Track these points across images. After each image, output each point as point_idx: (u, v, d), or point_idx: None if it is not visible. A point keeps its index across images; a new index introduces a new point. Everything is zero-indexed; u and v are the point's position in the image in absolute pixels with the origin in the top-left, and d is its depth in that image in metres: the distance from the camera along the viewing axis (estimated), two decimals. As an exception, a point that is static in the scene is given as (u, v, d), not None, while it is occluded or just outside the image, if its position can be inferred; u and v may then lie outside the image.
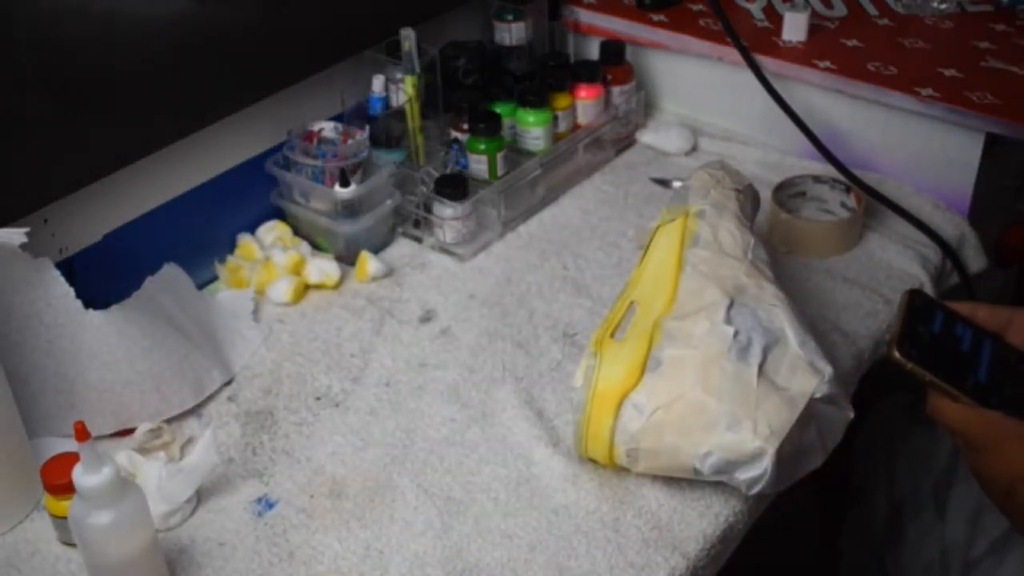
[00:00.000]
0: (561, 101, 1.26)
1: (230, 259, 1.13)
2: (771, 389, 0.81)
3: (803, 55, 1.24)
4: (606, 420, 0.83)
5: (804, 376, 0.83)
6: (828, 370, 0.83)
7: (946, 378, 0.76)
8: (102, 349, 0.93)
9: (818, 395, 0.82)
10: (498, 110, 1.22)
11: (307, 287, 1.11)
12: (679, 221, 0.95)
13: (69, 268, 0.99)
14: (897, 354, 0.76)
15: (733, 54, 1.25)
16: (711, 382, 0.81)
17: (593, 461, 0.88)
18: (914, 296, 0.81)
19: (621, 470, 0.87)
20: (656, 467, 0.84)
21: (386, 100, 1.19)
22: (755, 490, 0.81)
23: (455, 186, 1.13)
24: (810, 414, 0.82)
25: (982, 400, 0.76)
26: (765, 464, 0.79)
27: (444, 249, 1.16)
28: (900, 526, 1.10)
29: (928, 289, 1.10)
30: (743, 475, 0.80)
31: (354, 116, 1.19)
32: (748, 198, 1.01)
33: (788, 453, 0.80)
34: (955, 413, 0.76)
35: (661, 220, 0.97)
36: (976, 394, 0.76)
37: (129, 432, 0.94)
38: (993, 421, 0.75)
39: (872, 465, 1.18)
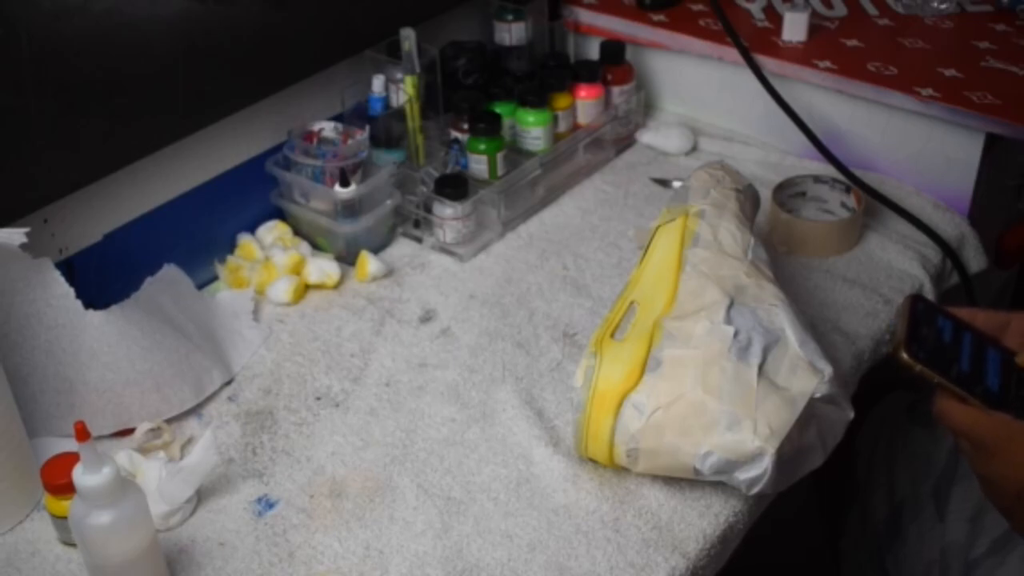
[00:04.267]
0: (561, 101, 1.26)
1: (230, 259, 1.13)
2: (771, 389, 0.81)
3: (803, 55, 1.24)
4: (606, 420, 0.83)
5: (804, 376, 0.83)
6: (828, 370, 0.83)
7: (953, 380, 0.77)
8: (102, 349, 0.93)
9: (818, 395, 0.82)
10: (498, 110, 1.22)
11: (307, 287, 1.11)
12: (679, 221, 0.95)
13: (69, 268, 0.99)
14: (905, 356, 0.77)
15: (733, 54, 1.25)
16: (711, 382, 0.81)
17: (593, 461, 0.88)
18: (916, 300, 0.81)
19: (621, 470, 0.87)
20: (656, 467, 0.84)
21: (386, 100, 1.19)
22: (755, 490, 0.81)
23: (455, 186, 1.13)
24: (810, 414, 0.82)
25: (987, 401, 0.76)
26: (765, 464, 0.79)
27: (444, 249, 1.16)
28: (900, 526, 1.10)
29: (928, 289, 1.10)
30: (743, 475, 0.80)
31: (354, 116, 1.19)
32: (748, 198, 1.01)
33: (788, 453, 0.80)
34: (964, 416, 0.76)
35: (661, 220, 0.97)
36: (982, 395, 0.77)
37: (129, 432, 0.94)
38: (1003, 423, 0.75)
39: (872, 465, 1.18)
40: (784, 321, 0.86)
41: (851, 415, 0.85)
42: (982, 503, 1.01)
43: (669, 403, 0.81)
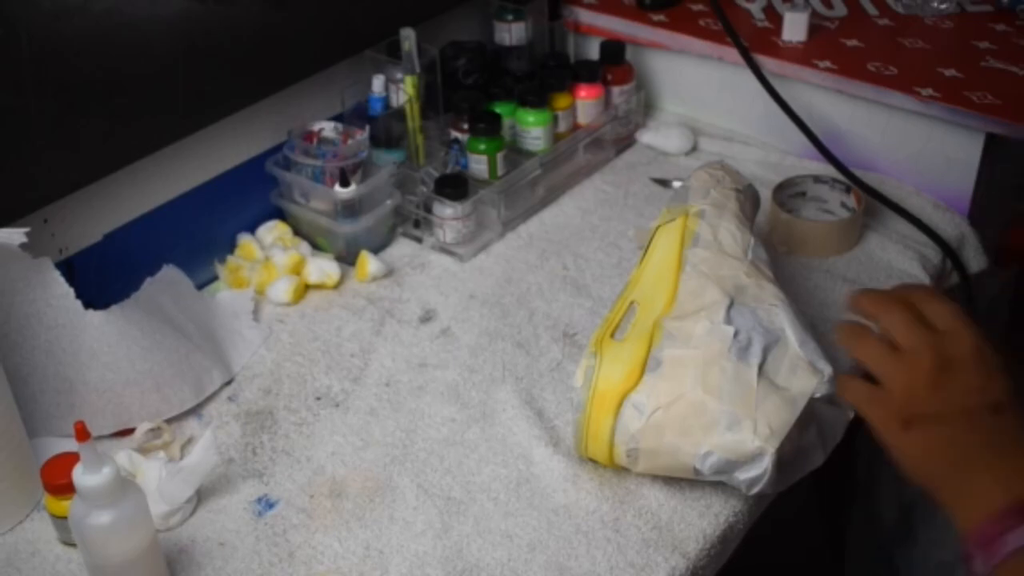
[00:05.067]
0: (561, 101, 1.26)
1: (230, 259, 1.13)
2: (771, 389, 0.81)
3: (803, 55, 1.24)
4: (606, 420, 0.83)
5: (804, 376, 0.83)
6: (828, 370, 0.84)
7: None
8: (102, 349, 0.93)
9: (818, 395, 0.82)
10: (498, 110, 1.22)
11: (307, 287, 1.11)
12: (679, 221, 0.95)
13: (69, 268, 0.99)
14: None
15: (733, 54, 1.25)
16: (711, 382, 0.81)
17: (593, 461, 0.88)
18: None
19: (621, 470, 0.87)
20: (656, 467, 0.84)
21: (386, 100, 1.19)
22: (755, 490, 0.81)
23: (455, 186, 1.13)
24: (810, 414, 0.82)
25: None
26: (765, 464, 0.79)
27: (444, 249, 1.16)
28: (911, 527, 1.10)
29: (928, 289, 1.10)
30: (743, 475, 0.80)
31: (354, 116, 1.19)
32: (748, 198, 1.01)
33: (788, 453, 0.80)
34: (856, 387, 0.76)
35: (661, 220, 0.97)
36: None
37: (129, 432, 0.94)
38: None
39: (874, 465, 1.17)
40: (784, 321, 0.86)
41: (851, 415, 0.86)
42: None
43: (669, 403, 0.81)
